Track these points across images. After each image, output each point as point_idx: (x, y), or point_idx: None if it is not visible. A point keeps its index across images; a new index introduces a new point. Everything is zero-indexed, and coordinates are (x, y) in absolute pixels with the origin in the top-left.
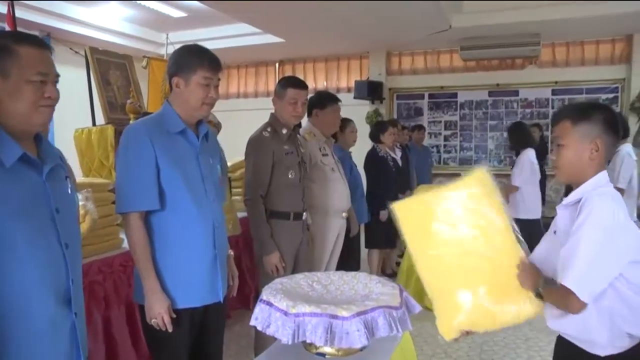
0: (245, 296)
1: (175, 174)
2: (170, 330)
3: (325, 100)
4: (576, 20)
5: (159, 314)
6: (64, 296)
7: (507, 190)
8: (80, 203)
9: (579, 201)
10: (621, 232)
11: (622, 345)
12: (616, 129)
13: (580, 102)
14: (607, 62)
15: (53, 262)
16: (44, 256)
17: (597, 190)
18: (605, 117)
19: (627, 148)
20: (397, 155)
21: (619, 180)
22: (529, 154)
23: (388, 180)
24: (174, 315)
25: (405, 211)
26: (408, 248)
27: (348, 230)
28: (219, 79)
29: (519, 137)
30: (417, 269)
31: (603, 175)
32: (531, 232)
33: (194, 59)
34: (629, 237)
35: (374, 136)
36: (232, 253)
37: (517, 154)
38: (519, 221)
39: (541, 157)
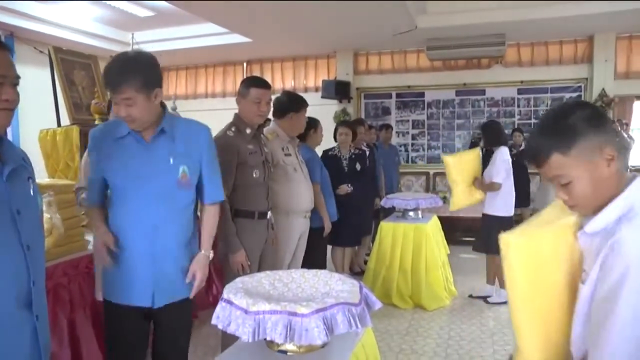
0: (214, 296)
1: (117, 175)
2: (113, 248)
3: (300, 104)
4: (540, 21)
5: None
6: (24, 298)
7: (487, 188)
8: (46, 216)
9: (606, 227)
10: None
11: None
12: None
13: (548, 115)
14: (571, 62)
15: (13, 263)
16: (1, 257)
17: (629, 216)
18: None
19: None
20: (366, 154)
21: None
22: (503, 152)
23: (339, 180)
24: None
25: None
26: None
27: (318, 229)
28: (126, 98)
29: (494, 136)
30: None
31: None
32: (504, 229)
33: (103, 80)
34: None
35: (334, 136)
36: (209, 254)
37: (489, 152)
38: (495, 218)
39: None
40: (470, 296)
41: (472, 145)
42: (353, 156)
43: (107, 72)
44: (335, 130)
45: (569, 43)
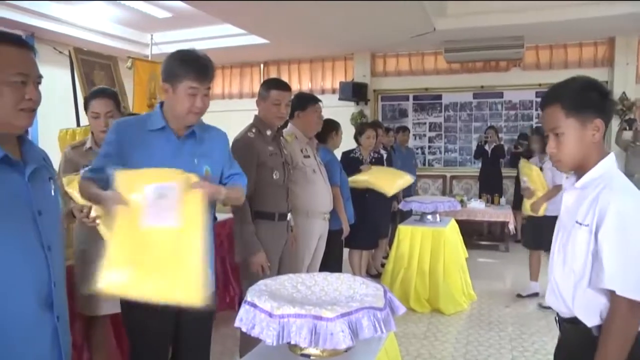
0: (231, 298)
1: (141, 167)
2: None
3: (305, 101)
4: (559, 23)
5: None
6: (45, 299)
7: (555, 192)
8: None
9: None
10: None
11: None
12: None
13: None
14: (590, 65)
15: (33, 264)
16: (23, 258)
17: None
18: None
19: None
20: (383, 157)
21: None
22: None
23: None
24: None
25: None
26: None
27: (335, 232)
28: (208, 88)
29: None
30: None
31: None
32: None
33: (181, 69)
34: None
35: (355, 138)
36: (222, 193)
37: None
38: (551, 218)
39: (499, 157)
40: (519, 295)
41: (479, 148)
42: (374, 160)
43: (201, 62)
44: (360, 132)
45: (589, 45)
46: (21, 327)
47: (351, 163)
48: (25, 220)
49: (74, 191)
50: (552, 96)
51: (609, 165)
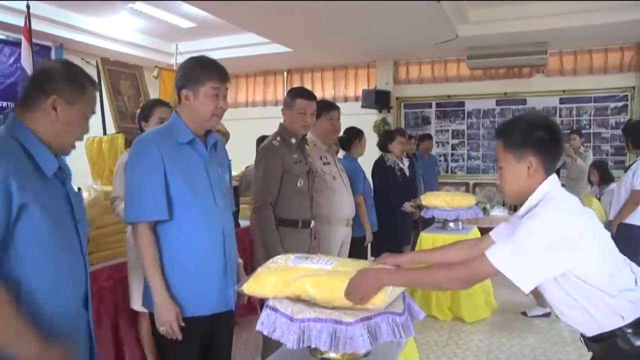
0: (253, 303)
1: (184, 184)
2: (179, 338)
3: (319, 109)
4: (584, 28)
5: (167, 322)
6: (82, 297)
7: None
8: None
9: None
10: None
11: None
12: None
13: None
14: (616, 70)
15: (77, 268)
16: (69, 263)
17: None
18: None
19: None
20: (405, 164)
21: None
22: None
23: (395, 190)
24: (183, 324)
25: None
26: None
27: (359, 238)
28: (227, 89)
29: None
30: None
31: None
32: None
33: (202, 72)
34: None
35: (383, 145)
36: (241, 261)
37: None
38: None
39: None
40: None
41: None
42: (399, 167)
43: (218, 64)
44: (389, 139)
45: (615, 51)
46: (67, 319)
47: (389, 172)
48: (70, 229)
49: None
50: (498, 132)
51: (547, 190)
